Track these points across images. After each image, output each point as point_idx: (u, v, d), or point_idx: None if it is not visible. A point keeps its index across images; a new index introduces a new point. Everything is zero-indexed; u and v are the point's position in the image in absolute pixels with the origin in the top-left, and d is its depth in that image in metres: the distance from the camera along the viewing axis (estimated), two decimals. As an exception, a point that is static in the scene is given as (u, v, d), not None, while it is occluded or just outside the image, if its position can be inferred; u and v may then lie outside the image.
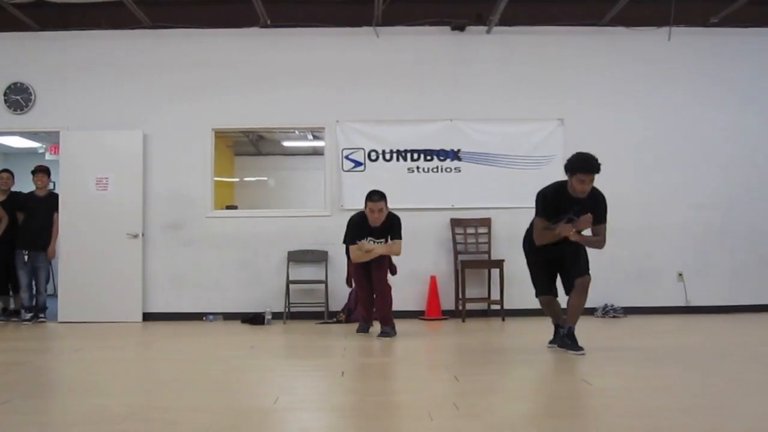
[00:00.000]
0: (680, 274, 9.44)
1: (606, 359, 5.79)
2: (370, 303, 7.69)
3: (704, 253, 9.49)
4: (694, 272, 9.46)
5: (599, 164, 5.73)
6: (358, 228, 7.40)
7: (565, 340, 6.04)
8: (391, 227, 7.38)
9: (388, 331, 7.39)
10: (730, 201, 9.53)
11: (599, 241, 6.05)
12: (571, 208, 5.88)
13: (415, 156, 9.50)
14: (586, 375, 5.19)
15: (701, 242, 9.50)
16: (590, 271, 6.06)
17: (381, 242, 7.39)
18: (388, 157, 9.47)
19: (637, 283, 9.41)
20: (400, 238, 7.40)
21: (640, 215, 9.42)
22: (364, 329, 7.76)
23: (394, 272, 7.70)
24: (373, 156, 9.47)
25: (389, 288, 7.54)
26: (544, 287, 6.23)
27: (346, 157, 9.47)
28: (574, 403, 4.35)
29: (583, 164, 5.74)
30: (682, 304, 9.39)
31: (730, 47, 9.68)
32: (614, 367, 5.48)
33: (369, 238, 7.36)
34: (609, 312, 9.11)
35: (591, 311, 8.98)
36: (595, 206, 5.92)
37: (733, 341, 7.15)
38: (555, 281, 6.24)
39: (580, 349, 5.90)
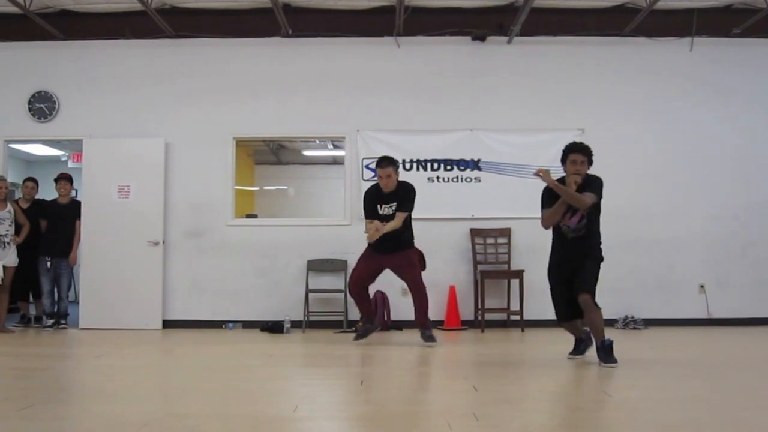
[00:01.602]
0: (702, 286, 9.35)
1: (626, 371, 5.74)
2: (363, 293, 7.52)
3: (726, 264, 9.39)
4: (715, 284, 9.35)
5: (588, 146, 6.17)
6: (371, 197, 7.40)
7: (599, 351, 5.98)
8: (402, 196, 7.31)
9: (431, 335, 7.33)
10: (752, 211, 9.42)
11: (581, 199, 5.99)
12: None
13: (436, 166, 9.50)
14: (606, 387, 5.15)
15: (723, 253, 9.40)
16: (607, 284, 6.10)
17: (393, 206, 7.27)
18: (408, 166, 9.46)
19: (658, 295, 9.32)
20: (405, 210, 7.28)
21: (661, 226, 9.35)
22: (362, 333, 7.60)
23: (423, 267, 7.52)
24: (393, 165, 9.47)
25: (424, 286, 7.37)
26: (561, 315, 6.20)
27: (366, 167, 9.47)
28: (594, 415, 4.32)
29: (572, 145, 6.22)
30: (703, 316, 9.29)
31: (752, 58, 9.60)
32: (634, 379, 5.44)
33: (381, 206, 7.29)
34: (630, 324, 9.04)
35: (611, 323, 8.89)
36: (590, 183, 6.07)
37: (755, 354, 7.08)
38: (572, 305, 6.17)
39: (614, 361, 5.84)
